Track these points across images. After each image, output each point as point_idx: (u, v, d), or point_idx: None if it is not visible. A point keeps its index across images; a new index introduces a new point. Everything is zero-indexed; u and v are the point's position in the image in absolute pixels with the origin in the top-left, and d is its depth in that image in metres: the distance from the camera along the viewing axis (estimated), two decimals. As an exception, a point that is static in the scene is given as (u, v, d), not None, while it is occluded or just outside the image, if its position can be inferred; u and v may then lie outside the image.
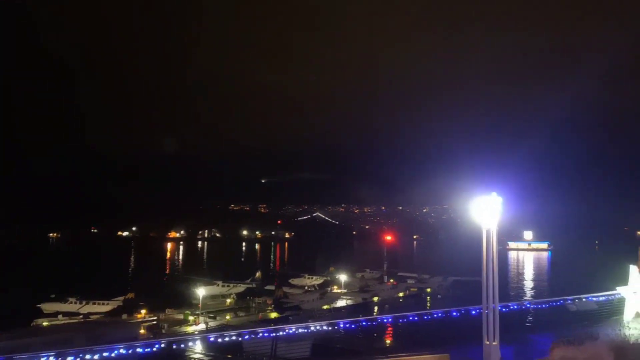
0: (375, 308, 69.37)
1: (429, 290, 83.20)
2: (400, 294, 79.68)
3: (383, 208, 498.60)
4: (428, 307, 68.04)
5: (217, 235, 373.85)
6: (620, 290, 23.88)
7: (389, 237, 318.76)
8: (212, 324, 55.37)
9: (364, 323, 20.88)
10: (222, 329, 47.26)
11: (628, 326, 21.21)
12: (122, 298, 67.14)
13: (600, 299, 24.27)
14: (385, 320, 24.73)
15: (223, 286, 75.93)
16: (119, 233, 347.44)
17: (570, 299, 23.58)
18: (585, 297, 23.97)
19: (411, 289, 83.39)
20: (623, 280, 24.15)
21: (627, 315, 23.36)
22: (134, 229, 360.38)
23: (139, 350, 16.90)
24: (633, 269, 24.33)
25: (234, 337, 18.48)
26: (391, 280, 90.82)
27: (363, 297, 74.66)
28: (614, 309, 23.91)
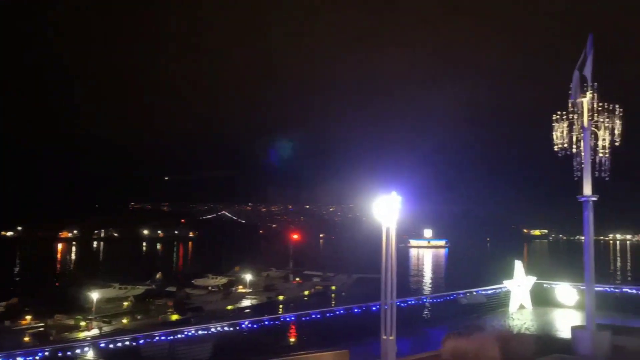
0: (280, 307, 69.30)
1: (333, 288, 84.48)
2: (306, 292, 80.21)
3: (290, 207, 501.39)
4: (332, 305, 69.03)
5: (115, 235, 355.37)
6: (507, 284, 25.60)
7: (295, 236, 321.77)
8: (106, 328, 52.15)
9: (267, 322, 20.51)
10: (117, 333, 44.68)
11: (512, 317, 22.72)
12: (4, 303, 61.01)
13: (489, 292, 25.88)
14: (288, 319, 24.51)
15: (120, 288, 71.77)
16: (2, 233, 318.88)
17: (462, 293, 24.87)
18: (475, 291, 25.40)
19: (316, 287, 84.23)
20: (509, 274, 25.90)
21: (512, 307, 25.14)
22: (19, 228, 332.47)
23: (19, 359, 15.37)
24: (518, 263, 26.23)
25: (127, 342, 17.35)
26: (297, 279, 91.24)
27: (268, 296, 74.24)
28: (501, 301, 25.57)
